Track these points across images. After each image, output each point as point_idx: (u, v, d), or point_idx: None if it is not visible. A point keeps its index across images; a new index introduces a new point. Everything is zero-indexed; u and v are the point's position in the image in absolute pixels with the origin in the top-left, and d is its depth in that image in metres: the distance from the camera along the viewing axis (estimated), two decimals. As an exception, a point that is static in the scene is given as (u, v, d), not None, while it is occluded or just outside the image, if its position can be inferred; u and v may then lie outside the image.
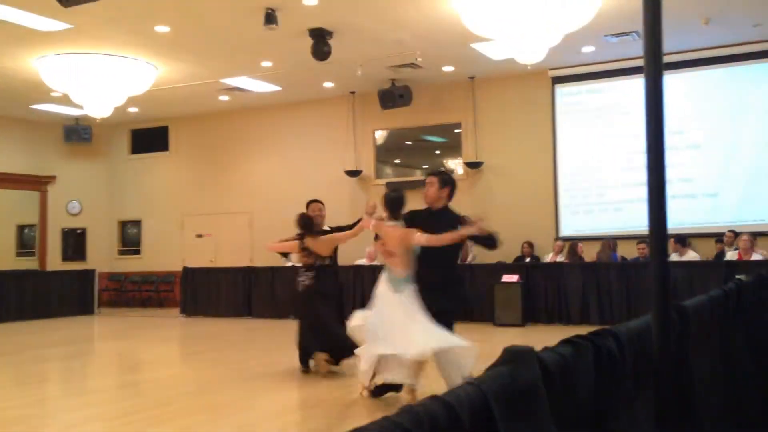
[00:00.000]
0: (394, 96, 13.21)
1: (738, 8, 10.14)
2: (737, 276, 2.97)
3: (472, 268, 11.80)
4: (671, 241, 10.59)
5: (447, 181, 5.51)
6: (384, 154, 15.23)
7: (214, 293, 13.95)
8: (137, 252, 17.46)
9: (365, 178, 14.66)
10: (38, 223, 16.94)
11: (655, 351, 1.63)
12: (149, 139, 17.29)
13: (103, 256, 17.33)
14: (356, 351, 5.78)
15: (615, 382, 1.59)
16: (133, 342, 10.98)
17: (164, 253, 16.76)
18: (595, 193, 12.87)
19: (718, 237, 11.52)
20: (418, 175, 14.60)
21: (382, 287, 5.44)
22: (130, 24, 10.16)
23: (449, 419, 1.07)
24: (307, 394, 6.30)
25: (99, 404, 6.16)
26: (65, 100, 13.36)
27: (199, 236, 16.47)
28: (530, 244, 12.75)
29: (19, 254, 17.08)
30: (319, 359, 6.83)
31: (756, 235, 10.79)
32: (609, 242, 11.75)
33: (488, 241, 5.56)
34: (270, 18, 9.64)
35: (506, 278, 11.09)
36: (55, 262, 16.76)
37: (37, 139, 16.70)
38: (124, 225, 17.79)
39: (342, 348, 6.49)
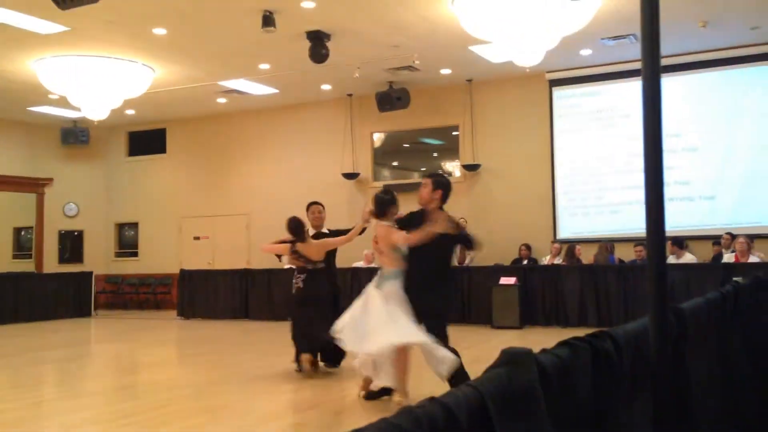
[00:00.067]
0: (391, 98, 13.21)
1: (735, 11, 10.16)
2: (734, 278, 2.98)
3: (470, 270, 11.81)
4: (668, 243, 10.59)
5: (440, 183, 5.52)
6: (381, 156, 15.23)
7: (212, 295, 13.94)
8: (134, 254, 17.44)
9: (363, 181, 14.65)
10: (35, 226, 16.92)
11: (652, 353, 1.64)
12: (146, 141, 17.28)
13: (100, 259, 17.31)
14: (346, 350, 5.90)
15: (612, 384, 1.59)
16: (130, 344, 10.96)
17: (161, 256, 16.74)
18: (593, 196, 12.88)
19: (715, 239, 11.54)
20: (415, 178, 14.60)
21: (371, 284, 5.63)
22: (128, 26, 10.16)
23: (447, 421, 1.08)
24: (305, 396, 6.30)
25: (96, 407, 6.15)
26: (62, 102, 13.35)
27: (197, 238, 16.46)
28: (528, 247, 12.76)
29: (15, 256, 17.05)
30: (303, 360, 6.89)
31: (753, 238, 10.81)
32: (606, 245, 11.77)
33: (464, 240, 5.64)
34: (268, 20, 9.64)
35: (504, 280, 11.09)
36: (51, 264, 16.74)
37: (34, 141, 16.69)
38: (121, 227, 17.77)
39: (333, 350, 6.54)
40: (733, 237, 10.96)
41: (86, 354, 10.32)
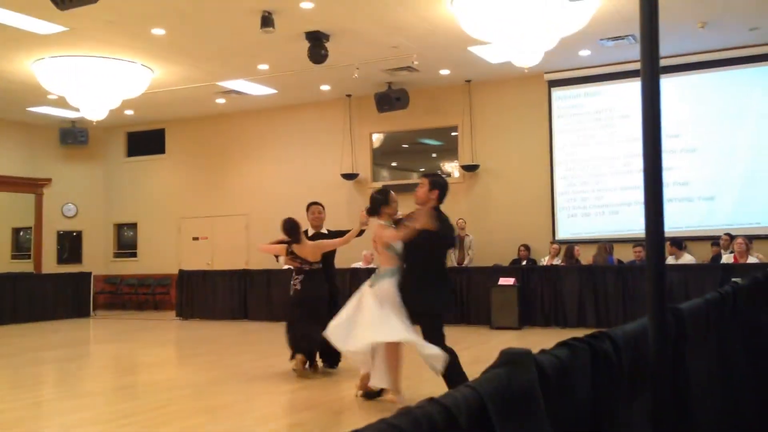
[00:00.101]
0: (390, 99, 13.21)
1: (734, 12, 10.17)
2: (733, 279, 2.99)
3: (469, 270, 11.82)
4: (667, 244, 10.61)
5: (437, 183, 5.51)
6: (380, 157, 15.23)
7: (211, 296, 13.93)
8: (133, 255, 17.43)
9: (362, 181, 14.65)
10: (34, 226, 16.91)
11: (651, 354, 1.64)
12: (145, 141, 17.27)
13: (98, 259, 17.30)
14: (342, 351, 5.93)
15: (611, 385, 1.59)
16: (129, 345, 10.96)
17: (160, 256, 16.74)
18: (592, 196, 12.89)
19: (714, 240, 11.54)
20: (414, 178, 14.59)
21: (365, 283, 5.69)
22: (127, 26, 10.16)
23: (446, 421, 1.07)
24: (304, 397, 6.30)
25: (95, 407, 6.15)
26: (61, 102, 13.35)
27: (196, 239, 16.45)
28: (527, 247, 12.76)
29: (14, 257, 17.05)
30: (297, 360, 6.93)
31: (751, 238, 10.81)
32: (605, 245, 11.77)
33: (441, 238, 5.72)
34: (267, 21, 9.64)
35: (503, 281, 11.09)
36: (50, 264, 16.73)
37: (33, 141, 16.68)
38: (120, 228, 17.77)
39: (332, 351, 6.55)
40: (731, 238, 10.96)
41: (85, 354, 10.32)
